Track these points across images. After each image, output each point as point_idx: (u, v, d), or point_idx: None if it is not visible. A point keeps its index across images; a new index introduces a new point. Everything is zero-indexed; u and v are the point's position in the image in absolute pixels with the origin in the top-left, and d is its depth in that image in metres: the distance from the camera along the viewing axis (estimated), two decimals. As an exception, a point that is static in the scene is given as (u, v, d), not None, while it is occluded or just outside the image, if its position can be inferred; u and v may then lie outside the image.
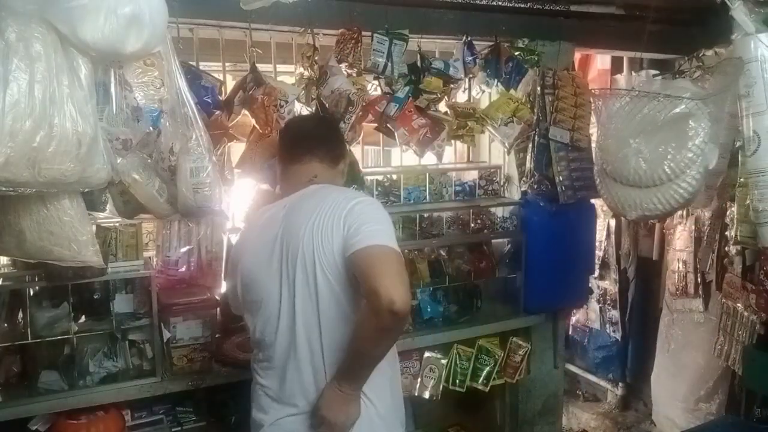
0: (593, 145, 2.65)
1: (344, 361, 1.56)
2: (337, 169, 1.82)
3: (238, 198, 2.35)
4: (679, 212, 3.40)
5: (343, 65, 2.29)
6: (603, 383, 4.22)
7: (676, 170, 2.17)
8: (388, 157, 3.16)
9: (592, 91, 2.71)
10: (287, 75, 2.42)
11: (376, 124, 2.45)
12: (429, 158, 2.62)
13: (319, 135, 1.84)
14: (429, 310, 2.62)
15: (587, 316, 4.23)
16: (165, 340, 2.08)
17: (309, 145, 1.77)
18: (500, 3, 2.62)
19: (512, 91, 2.68)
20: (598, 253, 3.86)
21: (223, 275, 2.27)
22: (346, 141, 2.06)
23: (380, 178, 2.61)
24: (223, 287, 2.24)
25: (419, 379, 2.61)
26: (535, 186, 2.74)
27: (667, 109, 2.16)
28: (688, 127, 2.14)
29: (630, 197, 2.32)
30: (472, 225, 2.75)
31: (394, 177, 2.63)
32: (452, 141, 2.75)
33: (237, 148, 2.28)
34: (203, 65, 2.22)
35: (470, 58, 2.53)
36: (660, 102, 2.17)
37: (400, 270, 1.48)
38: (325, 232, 1.55)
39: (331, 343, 1.58)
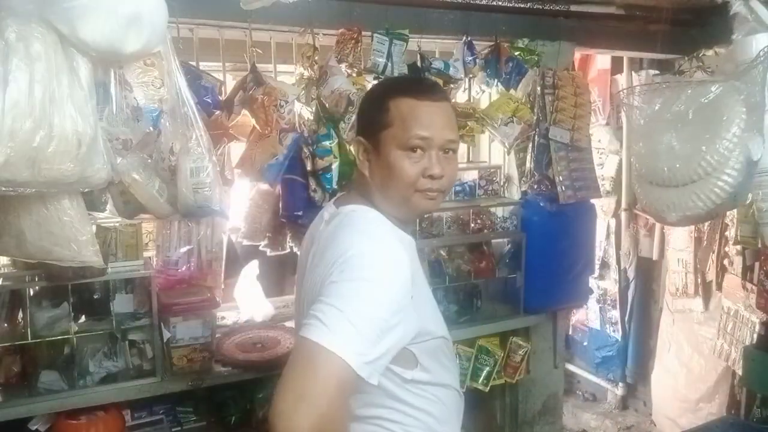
0: (622, 151, 2.55)
1: None
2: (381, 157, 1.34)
3: (238, 198, 2.35)
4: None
5: (343, 65, 2.29)
6: (603, 383, 4.22)
7: (713, 163, 1.99)
8: (388, 157, 3.15)
9: (620, 93, 2.54)
10: (287, 75, 2.42)
11: (376, 124, 2.44)
12: (429, 158, 2.62)
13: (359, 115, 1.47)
14: (429, 310, 2.62)
15: (587, 316, 4.23)
16: (165, 340, 2.08)
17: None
18: (500, 3, 2.62)
19: (512, 91, 2.68)
20: (598, 253, 3.86)
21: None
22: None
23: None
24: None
25: (419, 379, 2.60)
26: (535, 186, 2.74)
27: (696, 101, 2.03)
28: (721, 115, 1.98)
29: (668, 198, 2.15)
30: (472, 225, 2.75)
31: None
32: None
33: (237, 148, 2.28)
34: (203, 65, 2.22)
35: (470, 58, 2.53)
36: (689, 94, 2.05)
37: (303, 376, 1.02)
38: (314, 283, 1.21)
39: None
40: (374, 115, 1.32)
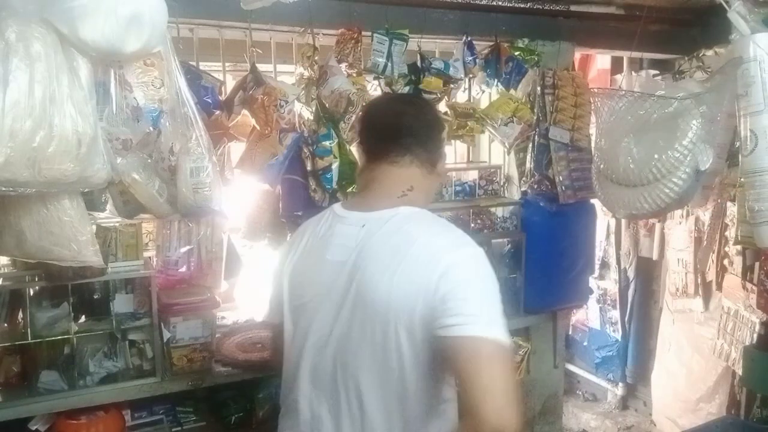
0: (593, 144, 2.67)
1: None
2: (436, 173, 1.45)
3: (238, 198, 2.35)
4: (679, 212, 3.41)
5: (343, 65, 2.29)
6: (603, 383, 4.22)
7: (662, 170, 2.17)
8: (388, 157, 3.15)
9: (591, 89, 2.72)
10: (287, 75, 2.42)
11: (376, 124, 2.44)
12: (429, 158, 2.62)
13: (424, 125, 1.43)
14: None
15: (587, 316, 4.23)
16: (165, 340, 2.08)
17: (410, 139, 1.38)
18: (500, 3, 2.62)
19: (512, 91, 2.69)
20: (598, 253, 3.86)
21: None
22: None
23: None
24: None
25: (419, 379, 2.60)
26: (535, 186, 2.74)
27: (660, 109, 2.16)
28: (677, 126, 2.14)
29: (620, 196, 2.33)
30: (472, 225, 2.75)
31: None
32: (452, 141, 2.75)
33: (237, 148, 2.28)
34: (203, 65, 2.22)
35: (470, 58, 2.53)
36: (653, 102, 2.17)
37: (510, 380, 1.17)
38: (413, 293, 1.22)
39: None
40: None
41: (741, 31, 2.01)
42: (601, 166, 2.41)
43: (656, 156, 2.17)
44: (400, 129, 1.39)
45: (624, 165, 2.25)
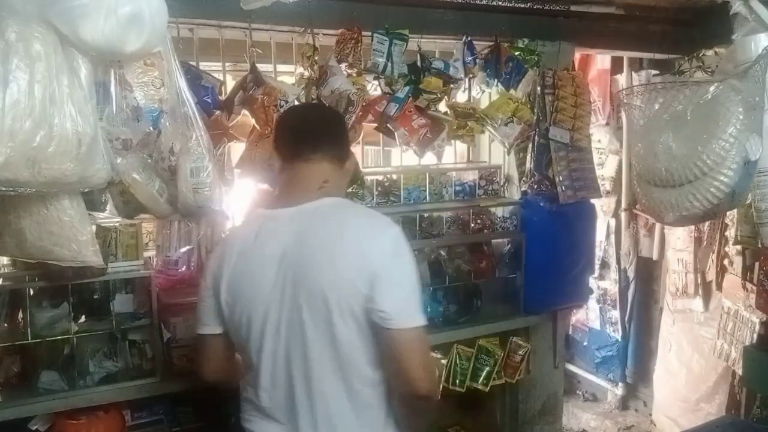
0: (622, 151, 2.55)
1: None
2: (345, 169, 1.62)
3: (238, 198, 2.34)
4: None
5: (343, 65, 2.29)
6: (603, 383, 4.22)
7: (709, 163, 2.00)
8: (388, 157, 3.16)
9: (619, 93, 2.54)
10: (287, 75, 2.42)
11: (376, 124, 2.45)
12: (429, 158, 2.62)
13: (330, 128, 1.62)
14: (429, 310, 2.62)
15: (587, 316, 4.23)
16: (165, 340, 2.08)
17: (319, 140, 1.56)
18: (500, 3, 2.62)
19: (512, 91, 2.69)
20: (598, 253, 3.86)
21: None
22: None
23: (380, 178, 2.61)
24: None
25: (419, 379, 2.60)
26: (535, 186, 2.74)
27: (695, 101, 2.02)
28: (718, 115, 1.99)
29: (666, 198, 2.16)
30: (472, 225, 2.75)
31: (394, 177, 2.63)
32: (452, 141, 2.75)
33: (237, 148, 2.28)
34: (203, 65, 2.22)
35: (470, 58, 2.53)
36: (685, 95, 2.05)
37: (429, 354, 1.50)
38: (347, 273, 1.39)
39: (342, 392, 1.45)
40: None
41: (764, 19, 1.95)
42: (641, 170, 2.26)
43: (700, 149, 2.00)
44: (309, 131, 1.58)
45: (666, 164, 2.10)
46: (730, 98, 1.99)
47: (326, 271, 1.40)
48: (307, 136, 1.56)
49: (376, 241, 1.42)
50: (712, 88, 2.01)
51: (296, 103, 2.21)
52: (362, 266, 1.38)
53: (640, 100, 2.26)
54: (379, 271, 1.38)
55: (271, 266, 1.45)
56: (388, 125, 2.41)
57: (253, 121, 2.17)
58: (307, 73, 2.26)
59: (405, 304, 1.40)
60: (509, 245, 2.81)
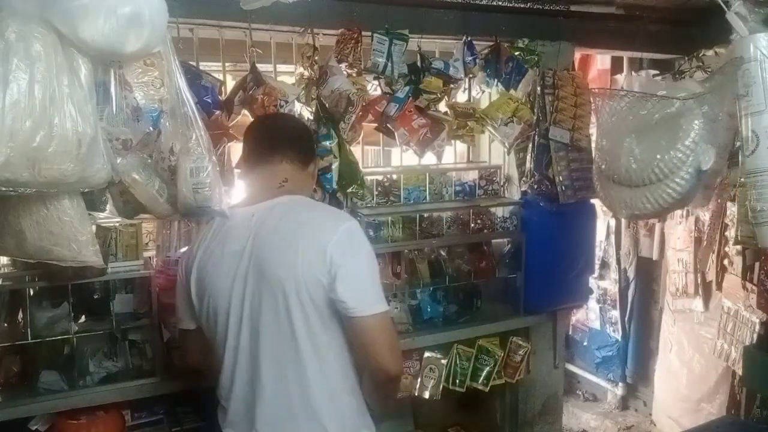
0: (593, 144, 2.67)
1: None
2: (308, 171, 1.72)
3: (238, 198, 2.34)
4: (679, 212, 3.41)
5: (343, 65, 2.29)
6: (603, 383, 4.22)
7: (665, 170, 2.18)
8: (388, 157, 3.16)
9: (592, 90, 2.72)
10: (287, 75, 2.42)
11: (376, 124, 2.45)
12: (429, 158, 2.62)
13: (289, 134, 1.74)
14: (429, 310, 2.62)
15: (587, 316, 4.23)
16: (165, 340, 2.08)
17: (278, 144, 1.67)
18: (500, 3, 2.62)
19: (512, 91, 2.69)
20: (598, 253, 3.86)
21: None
22: (315, 142, 2.01)
23: (380, 178, 2.61)
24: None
25: (419, 379, 2.61)
26: (535, 186, 2.74)
27: (661, 109, 2.16)
28: (679, 126, 2.14)
29: (622, 196, 2.34)
30: (472, 225, 2.75)
31: (394, 177, 2.63)
32: (452, 141, 2.75)
33: (237, 148, 2.28)
34: (203, 65, 2.23)
35: (470, 58, 2.53)
36: (655, 102, 2.17)
37: (394, 337, 1.54)
38: (306, 266, 1.45)
39: (300, 379, 1.51)
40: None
41: (740, 32, 2.00)
42: (603, 166, 2.41)
43: (659, 156, 2.18)
44: (268, 136, 1.71)
45: (626, 165, 2.26)
46: (693, 111, 2.12)
47: (286, 265, 1.46)
48: (265, 140, 1.70)
49: (332, 235, 1.47)
50: (678, 104, 2.14)
51: (296, 103, 2.21)
52: (321, 260, 1.44)
53: (612, 100, 2.36)
54: (337, 263, 1.44)
55: (232, 262, 1.53)
56: (388, 125, 2.42)
57: (253, 121, 2.17)
58: (307, 73, 2.26)
59: (364, 294, 1.47)
60: (509, 245, 2.81)
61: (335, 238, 1.47)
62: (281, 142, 1.68)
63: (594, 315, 4.18)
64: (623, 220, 3.94)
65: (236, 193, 2.29)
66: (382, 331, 1.47)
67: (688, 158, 2.14)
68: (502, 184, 2.93)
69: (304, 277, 1.45)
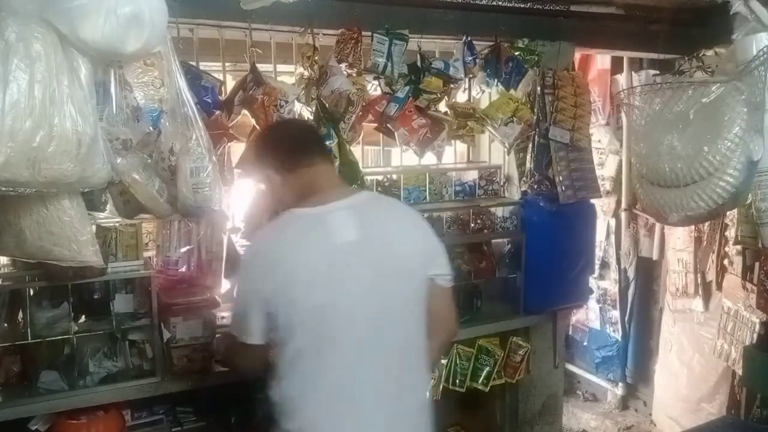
0: (623, 151, 2.56)
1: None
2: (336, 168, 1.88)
3: (238, 198, 2.35)
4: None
5: (343, 65, 2.29)
6: (603, 383, 4.22)
7: (714, 163, 2.01)
8: (388, 157, 3.16)
9: (620, 93, 2.55)
10: (287, 75, 2.42)
11: (376, 124, 2.45)
12: (429, 158, 2.62)
13: (318, 137, 1.86)
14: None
15: (587, 316, 4.23)
16: (165, 340, 2.08)
17: (320, 145, 1.75)
18: (500, 3, 2.62)
19: (512, 91, 2.68)
20: (598, 253, 3.86)
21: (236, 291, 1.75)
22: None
23: (380, 178, 2.61)
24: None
25: (419, 379, 2.60)
26: (535, 186, 2.74)
27: (697, 101, 2.04)
28: (722, 116, 2.00)
29: (670, 198, 2.17)
30: (472, 225, 2.75)
31: (394, 177, 2.63)
32: (452, 141, 2.75)
33: (237, 148, 2.28)
34: (203, 65, 2.22)
35: (470, 58, 2.53)
36: (688, 95, 2.07)
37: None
38: (423, 246, 1.63)
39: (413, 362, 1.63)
40: None
41: (763, 19, 1.95)
42: (644, 171, 2.26)
43: (706, 149, 2.02)
44: (311, 139, 1.74)
45: (670, 164, 2.11)
46: (734, 98, 1.99)
47: (403, 252, 1.58)
48: (318, 143, 1.75)
49: (423, 224, 1.68)
50: (714, 89, 2.02)
51: (296, 103, 2.21)
52: (425, 245, 1.64)
53: (640, 100, 2.26)
54: (435, 246, 1.65)
55: (349, 252, 1.53)
56: (388, 125, 2.41)
57: (253, 121, 2.17)
58: (307, 73, 2.26)
59: (448, 270, 1.69)
60: (509, 245, 2.81)
61: (426, 227, 1.68)
62: (321, 144, 1.77)
63: (594, 315, 4.18)
64: (623, 220, 3.94)
65: (236, 193, 2.29)
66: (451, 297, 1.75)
67: (738, 148, 1.98)
68: (502, 184, 2.93)
69: (419, 262, 1.60)
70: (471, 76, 2.62)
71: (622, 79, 3.73)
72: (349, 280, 1.52)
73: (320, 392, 1.54)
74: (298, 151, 1.66)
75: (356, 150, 2.52)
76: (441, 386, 2.63)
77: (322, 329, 1.51)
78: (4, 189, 1.42)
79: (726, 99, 2.01)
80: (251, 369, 1.76)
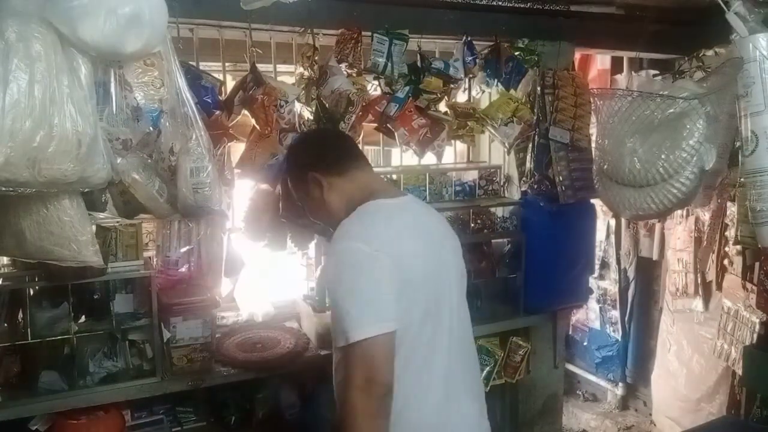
0: (593, 144, 2.66)
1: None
2: None
3: (238, 198, 2.35)
4: (679, 212, 3.41)
5: (343, 65, 2.29)
6: (603, 383, 4.22)
7: (669, 170, 2.18)
8: (388, 157, 3.16)
9: (592, 90, 2.71)
10: (287, 75, 2.42)
11: (376, 124, 2.45)
12: (429, 158, 2.62)
13: (355, 142, 1.90)
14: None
15: (587, 316, 4.23)
16: (165, 340, 2.08)
17: (361, 151, 1.79)
18: (500, 3, 2.62)
19: (512, 91, 2.68)
20: (598, 253, 3.86)
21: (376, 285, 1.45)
22: None
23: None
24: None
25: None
26: (535, 186, 2.74)
27: (664, 110, 2.16)
28: (683, 127, 2.15)
29: (625, 197, 2.34)
30: (472, 225, 2.75)
31: (394, 177, 2.63)
32: (452, 141, 2.75)
33: (237, 148, 2.28)
34: (203, 65, 2.23)
35: (470, 58, 2.53)
36: (656, 102, 2.17)
37: None
38: (459, 246, 1.73)
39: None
40: None
41: (739, 33, 2.01)
42: (605, 166, 2.40)
43: (663, 156, 2.18)
44: (351, 144, 1.79)
45: (630, 166, 2.26)
46: (696, 111, 2.13)
47: (457, 253, 1.70)
48: (353, 149, 1.75)
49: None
50: (681, 104, 2.14)
51: (296, 103, 2.21)
52: (458, 244, 1.73)
53: (612, 100, 2.34)
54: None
55: (438, 247, 1.61)
56: (388, 125, 2.41)
57: (253, 121, 2.17)
58: (307, 73, 2.26)
59: None
60: (509, 245, 2.81)
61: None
62: (360, 150, 1.80)
63: (594, 315, 4.18)
64: (623, 220, 3.94)
65: (236, 193, 2.29)
66: None
67: (693, 158, 2.15)
68: (502, 184, 2.93)
69: (460, 260, 1.71)
70: (471, 76, 2.62)
71: (622, 79, 3.73)
72: (448, 270, 1.61)
73: (433, 381, 1.52)
74: (345, 156, 1.69)
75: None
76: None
77: (435, 318, 1.53)
78: (4, 189, 1.42)
79: (689, 111, 2.14)
80: (390, 377, 1.41)
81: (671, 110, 2.16)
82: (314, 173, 1.64)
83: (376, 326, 1.38)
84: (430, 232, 1.62)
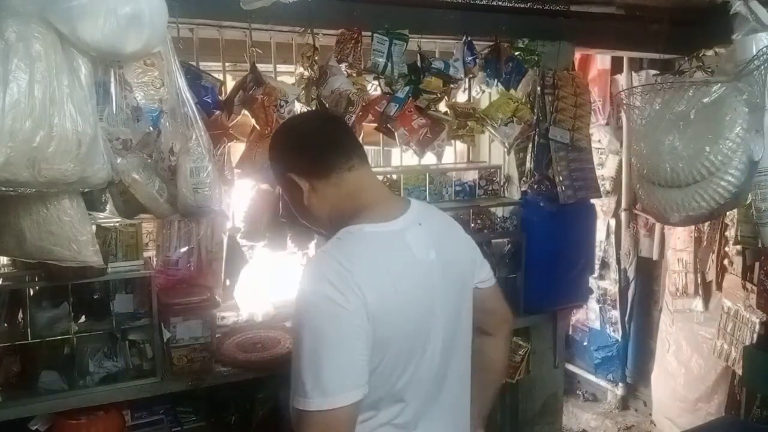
0: (622, 151, 2.57)
1: (487, 399, 1.71)
2: None
3: (238, 198, 2.35)
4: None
5: (343, 65, 2.29)
6: (603, 383, 4.23)
7: (716, 163, 2.02)
8: (388, 157, 3.16)
9: (619, 94, 2.53)
10: (287, 75, 2.42)
11: (376, 124, 2.45)
12: (429, 158, 2.62)
13: (350, 129, 1.61)
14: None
15: (587, 316, 4.23)
16: (165, 340, 2.08)
17: (355, 143, 1.45)
18: (500, 3, 2.62)
19: (512, 91, 2.68)
20: (598, 253, 3.86)
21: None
22: None
23: (380, 178, 2.61)
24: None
25: (419, 379, 2.60)
26: (535, 186, 2.74)
27: (698, 102, 2.05)
28: (723, 116, 2.01)
29: (672, 198, 2.17)
30: (472, 225, 2.75)
31: (394, 177, 2.63)
32: (452, 141, 2.75)
33: (237, 148, 2.28)
34: (203, 65, 2.22)
35: (470, 58, 2.53)
36: (688, 95, 2.08)
37: None
38: (469, 262, 1.55)
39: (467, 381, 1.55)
40: None
41: (765, 22, 1.96)
42: (644, 171, 2.26)
43: (707, 149, 2.03)
44: (349, 133, 1.53)
45: (671, 164, 2.12)
46: (735, 98, 2.00)
47: (464, 268, 1.51)
48: (340, 141, 1.41)
49: (462, 230, 1.59)
50: (715, 89, 2.03)
51: (296, 103, 2.21)
52: (473, 254, 1.59)
53: (641, 100, 2.27)
54: (477, 250, 1.62)
55: (429, 271, 1.35)
56: (388, 125, 2.41)
57: (253, 121, 2.17)
58: (307, 73, 2.26)
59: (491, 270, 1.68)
60: (509, 245, 2.81)
61: (466, 234, 1.61)
62: (354, 140, 1.47)
63: (594, 315, 4.18)
64: (623, 220, 3.94)
65: (236, 193, 2.29)
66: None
67: (739, 148, 2.00)
68: (502, 184, 2.93)
69: (469, 272, 1.54)
70: (471, 76, 2.62)
71: (622, 79, 3.74)
72: (437, 305, 1.37)
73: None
74: (331, 152, 1.38)
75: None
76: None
77: (415, 359, 1.33)
78: (4, 189, 1.42)
79: (726, 99, 2.02)
80: None
81: (706, 99, 2.03)
82: (291, 174, 1.39)
83: (341, 396, 1.17)
84: (427, 266, 1.36)
